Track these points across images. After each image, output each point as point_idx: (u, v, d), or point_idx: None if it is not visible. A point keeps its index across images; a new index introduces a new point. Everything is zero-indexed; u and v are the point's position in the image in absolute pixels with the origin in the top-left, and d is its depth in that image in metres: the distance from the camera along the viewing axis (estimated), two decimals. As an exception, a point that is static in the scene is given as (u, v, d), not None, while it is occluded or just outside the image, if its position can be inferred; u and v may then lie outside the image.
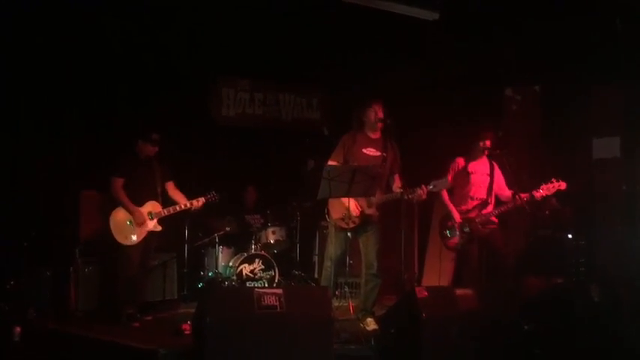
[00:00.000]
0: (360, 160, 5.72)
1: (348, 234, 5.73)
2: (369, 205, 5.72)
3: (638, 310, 5.46)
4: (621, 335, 5.47)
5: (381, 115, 5.76)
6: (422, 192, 5.48)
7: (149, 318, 6.16)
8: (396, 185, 5.81)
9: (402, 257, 5.60)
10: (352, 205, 5.61)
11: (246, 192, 8.11)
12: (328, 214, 5.88)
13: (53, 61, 6.87)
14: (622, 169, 6.78)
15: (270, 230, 7.59)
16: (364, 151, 5.82)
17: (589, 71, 6.89)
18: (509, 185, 6.18)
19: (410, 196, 5.49)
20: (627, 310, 5.77)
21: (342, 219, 5.65)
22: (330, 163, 5.76)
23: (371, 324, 5.64)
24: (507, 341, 4.75)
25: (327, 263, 5.87)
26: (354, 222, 5.67)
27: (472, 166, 6.26)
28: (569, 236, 6.83)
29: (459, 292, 4.82)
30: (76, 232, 6.82)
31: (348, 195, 5.44)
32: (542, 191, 5.86)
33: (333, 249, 5.80)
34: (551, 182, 5.87)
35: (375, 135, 5.89)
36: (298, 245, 7.72)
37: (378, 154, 5.81)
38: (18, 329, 5.64)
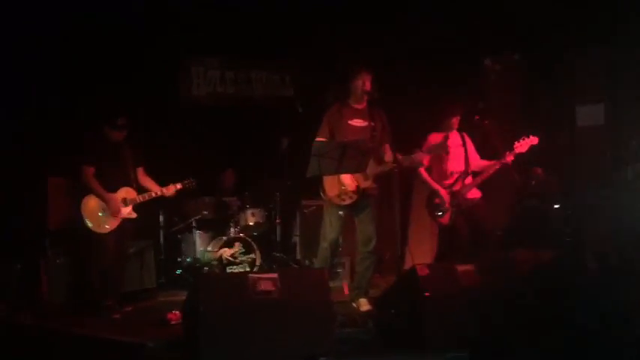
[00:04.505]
0: (348, 133, 5.51)
1: (340, 212, 5.52)
2: (365, 178, 5.50)
3: (629, 278, 5.41)
4: (619, 304, 5.42)
5: (368, 87, 5.54)
6: (418, 157, 5.42)
7: (129, 308, 5.94)
8: (387, 156, 5.53)
9: (396, 234, 5.41)
10: (348, 179, 5.40)
11: (225, 175, 7.83)
12: (323, 191, 5.62)
13: (14, 44, 6.51)
14: (606, 135, 6.70)
15: (249, 212, 7.34)
16: (350, 122, 5.60)
17: (570, 38, 6.78)
18: (487, 155, 6.11)
19: (406, 164, 5.31)
20: (621, 279, 5.74)
21: (339, 195, 5.44)
22: (317, 139, 5.51)
23: (364, 304, 5.48)
24: (510, 315, 4.60)
25: (324, 244, 5.63)
26: (351, 198, 5.46)
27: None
28: (556, 206, 6.74)
29: (460, 268, 4.68)
30: (45, 221, 6.50)
31: (338, 172, 5.23)
32: (516, 149, 5.85)
33: (329, 228, 5.57)
34: (522, 139, 5.87)
35: (361, 105, 5.66)
36: (278, 227, 7.48)
37: (366, 124, 5.60)
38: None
